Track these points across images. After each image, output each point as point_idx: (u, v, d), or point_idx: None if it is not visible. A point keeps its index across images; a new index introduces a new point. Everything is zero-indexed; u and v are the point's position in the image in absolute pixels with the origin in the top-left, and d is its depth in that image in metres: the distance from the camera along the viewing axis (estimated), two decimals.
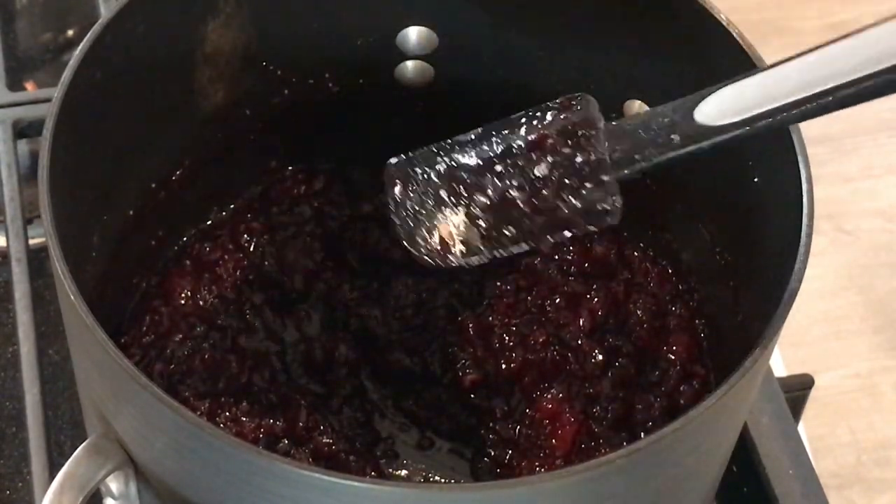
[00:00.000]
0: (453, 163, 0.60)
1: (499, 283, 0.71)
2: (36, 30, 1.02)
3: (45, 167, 0.53)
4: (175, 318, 0.68)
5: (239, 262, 0.71)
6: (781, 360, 1.01)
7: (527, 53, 0.69)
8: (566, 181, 0.57)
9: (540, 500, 0.48)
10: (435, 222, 0.60)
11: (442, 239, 0.60)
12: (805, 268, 0.52)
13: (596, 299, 0.70)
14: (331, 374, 0.68)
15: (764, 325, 0.51)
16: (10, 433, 0.79)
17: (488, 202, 0.59)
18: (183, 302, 0.69)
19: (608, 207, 0.57)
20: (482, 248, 0.59)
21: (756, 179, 0.60)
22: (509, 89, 0.69)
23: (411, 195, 0.61)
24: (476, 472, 0.67)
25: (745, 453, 0.71)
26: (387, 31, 0.70)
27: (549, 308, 0.70)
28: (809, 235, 0.53)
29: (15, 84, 0.91)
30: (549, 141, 0.58)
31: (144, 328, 0.68)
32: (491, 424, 0.67)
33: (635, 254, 0.72)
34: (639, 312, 0.70)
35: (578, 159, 0.57)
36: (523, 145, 0.58)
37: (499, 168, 0.59)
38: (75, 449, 0.52)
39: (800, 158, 0.55)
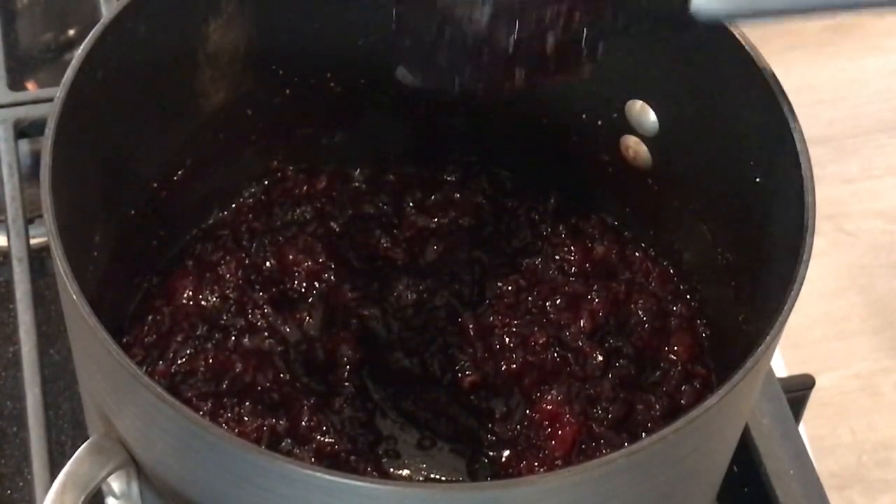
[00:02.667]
0: None
1: (499, 284, 0.71)
2: (37, 29, 1.02)
3: (47, 167, 0.53)
4: (177, 318, 0.68)
5: (240, 261, 0.71)
6: (782, 361, 1.01)
7: None
8: (571, 23, 0.57)
9: (541, 501, 0.48)
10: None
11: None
12: (807, 268, 0.52)
13: (597, 300, 0.69)
14: (332, 374, 0.68)
15: (765, 325, 0.51)
16: (11, 433, 0.79)
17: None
18: (185, 302, 0.69)
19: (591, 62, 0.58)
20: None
21: (758, 179, 0.60)
22: None
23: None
24: (475, 473, 0.67)
25: (746, 454, 0.71)
26: (388, 31, 0.70)
27: (549, 309, 0.70)
28: (811, 236, 0.53)
29: (16, 84, 0.91)
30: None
31: (146, 328, 0.68)
32: (490, 426, 0.67)
33: (636, 254, 0.72)
34: (640, 313, 0.70)
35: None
36: None
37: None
38: (77, 448, 0.52)
39: (801, 159, 0.55)
